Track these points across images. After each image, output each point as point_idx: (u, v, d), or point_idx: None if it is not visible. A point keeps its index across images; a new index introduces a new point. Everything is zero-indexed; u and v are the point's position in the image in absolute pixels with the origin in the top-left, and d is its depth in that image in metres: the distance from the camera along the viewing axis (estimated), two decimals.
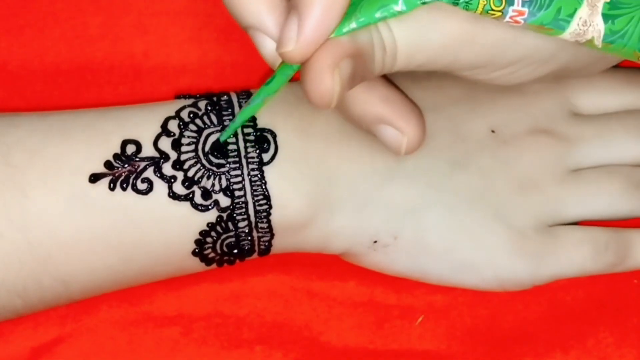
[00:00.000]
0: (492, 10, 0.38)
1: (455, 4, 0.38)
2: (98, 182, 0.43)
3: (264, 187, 0.44)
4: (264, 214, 0.44)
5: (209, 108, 0.45)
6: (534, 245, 0.46)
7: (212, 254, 0.45)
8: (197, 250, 0.44)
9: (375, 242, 0.46)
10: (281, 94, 0.45)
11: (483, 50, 0.41)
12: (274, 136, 0.44)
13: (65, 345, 0.47)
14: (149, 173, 0.43)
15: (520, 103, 0.48)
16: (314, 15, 0.37)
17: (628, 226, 0.48)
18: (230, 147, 0.44)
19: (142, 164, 0.43)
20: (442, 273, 0.47)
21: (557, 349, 0.47)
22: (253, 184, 0.44)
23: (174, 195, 0.43)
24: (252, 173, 0.44)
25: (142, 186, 0.43)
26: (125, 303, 0.47)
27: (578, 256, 0.47)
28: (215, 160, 0.44)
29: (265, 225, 0.44)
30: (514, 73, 0.43)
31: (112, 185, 0.43)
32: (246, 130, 0.44)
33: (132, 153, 0.43)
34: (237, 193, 0.43)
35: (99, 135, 0.43)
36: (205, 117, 0.44)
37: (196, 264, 0.45)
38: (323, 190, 0.45)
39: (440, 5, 0.39)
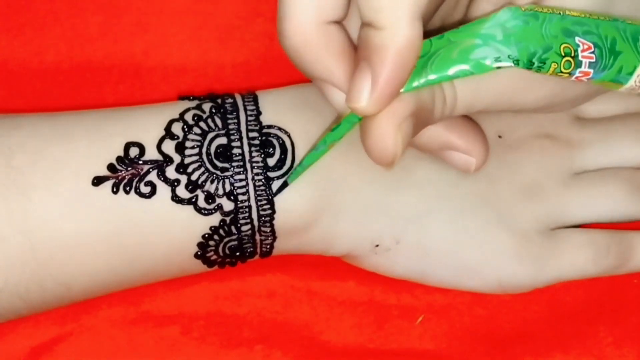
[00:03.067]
0: (562, 72, 0.38)
1: (529, 68, 0.38)
2: (101, 185, 0.42)
3: (268, 191, 0.44)
4: (267, 218, 0.44)
5: (214, 111, 0.44)
6: (536, 249, 0.46)
7: (215, 257, 0.45)
8: (199, 253, 0.44)
9: (377, 245, 0.46)
10: (288, 98, 0.45)
11: (540, 95, 0.41)
12: (280, 141, 0.44)
13: (65, 344, 0.47)
14: (153, 176, 0.43)
15: None
16: (388, 72, 0.36)
17: (630, 229, 0.48)
18: (235, 151, 0.44)
19: (146, 167, 0.43)
20: (443, 276, 0.47)
21: (557, 349, 0.47)
22: (257, 188, 0.43)
23: (177, 199, 0.43)
24: (256, 177, 0.43)
25: (145, 189, 0.43)
26: (125, 302, 0.47)
27: (580, 259, 0.47)
28: (219, 164, 0.43)
29: (268, 229, 0.44)
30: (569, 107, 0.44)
31: (115, 188, 0.42)
32: (251, 135, 0.44)
33: (135, 156, 0.43)
34: (240, 197, 0.43)
35: (102, 138, 0.43)
36: (209, 120, 0.44)
37: (198, 266, 0.45)
38: (327, 196, 0.44)
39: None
